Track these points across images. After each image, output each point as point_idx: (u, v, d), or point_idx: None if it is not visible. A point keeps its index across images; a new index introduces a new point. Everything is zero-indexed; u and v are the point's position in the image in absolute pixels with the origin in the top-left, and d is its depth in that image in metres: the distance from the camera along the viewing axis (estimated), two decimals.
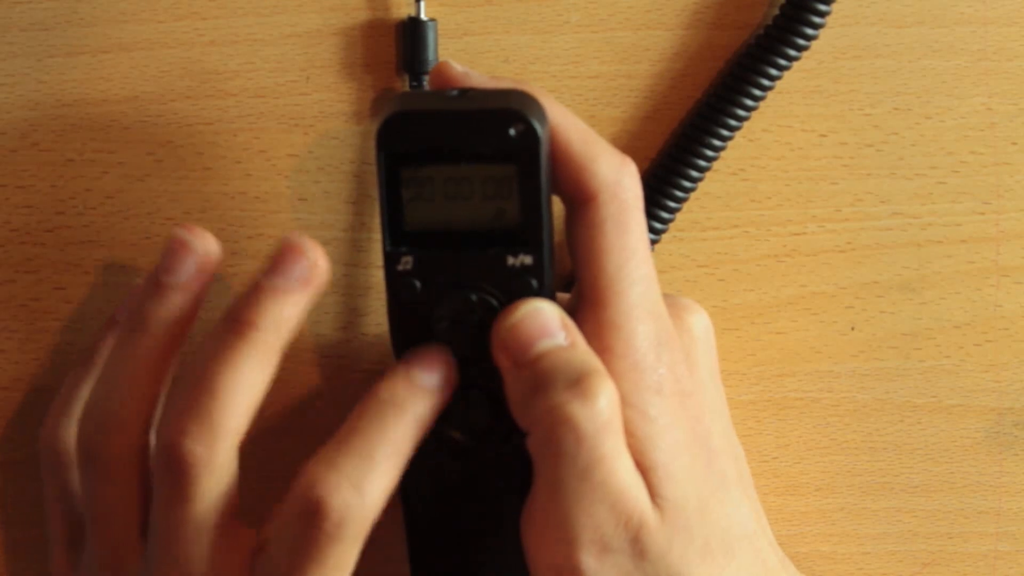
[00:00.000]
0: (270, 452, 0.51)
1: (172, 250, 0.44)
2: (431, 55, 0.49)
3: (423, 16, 0.49)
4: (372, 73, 0.50)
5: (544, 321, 0.43)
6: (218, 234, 0.50)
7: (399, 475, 0.43)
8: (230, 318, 0.43)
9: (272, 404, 0.51)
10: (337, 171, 0.51)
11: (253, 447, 0.52)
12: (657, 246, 0.51)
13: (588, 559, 0.42)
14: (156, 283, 0.44)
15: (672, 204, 0.51)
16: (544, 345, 0.43)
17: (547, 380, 0.42)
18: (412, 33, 0.49)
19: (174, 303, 0.44)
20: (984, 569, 0.54)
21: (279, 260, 0.43)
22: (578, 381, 0.42)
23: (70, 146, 0.50)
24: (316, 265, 0.44)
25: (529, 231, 0.43)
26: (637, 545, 0.43)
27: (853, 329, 0.53)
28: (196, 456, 0.42)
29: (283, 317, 0.43)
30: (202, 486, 0.43)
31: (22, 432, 0.51)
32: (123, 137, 0.50)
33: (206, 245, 0.44)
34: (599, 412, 0.42)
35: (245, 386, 0.43)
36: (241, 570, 0.43)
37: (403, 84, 0.50)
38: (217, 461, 0.43)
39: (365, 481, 0.42)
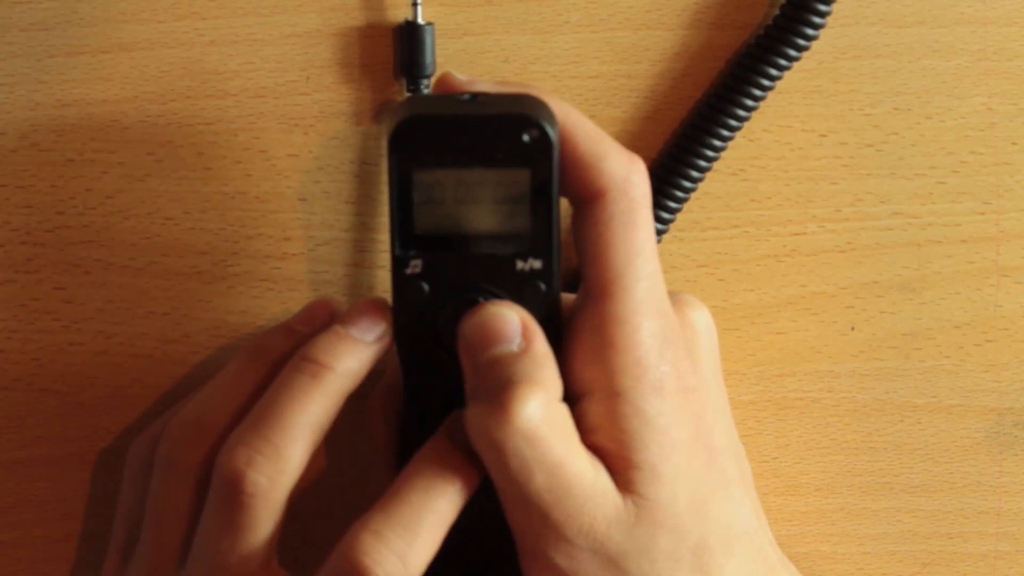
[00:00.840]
0: None
1: (311, 308, 0.47)
2: (428, 59, 0.49)
3: (420, 20, 0.49)
4: (372, 73, 0.50)
5: (501, 325, 0.43)
6: (218, 234, 0.50)
7: (442, 541, 0.43)
8: (308, 358, 0.44)
9: None
10: (337, 171, 0.51)
11: None
12: (657, 246, 0.51)
13: (560, 557, 0.42)
14: (287, 328, 0.47)
15: (672, 204, 0.51)
16: (497, 351, 0.43)
17: (480, 390, 0.42)
18: (409, 37, 0.49)
19: (296, 345, 0.46)
20: (984, 569, 0.54)
21: (361, 314, 0.45)
22: (499, 393, 0.42)
23: (70, 146, 0.50)
24: (389, 331, 0.45)
25: (539, 235, 0.43)
26: (609, 545, 0.43)
27: (853, 329, 0.53)
28: (259, 487, 0.43)
29: (356, 367, 0.45)
30: (256, 518, 0.43)
31: (22, 432, 0.51)
32: (123, 137, 0.50)
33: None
34: (517, 424, 0.41)
35: (313, 425, 0.44)
36: None
37: (401, 88, 0.50)
38: (276, 494, 0.43)
39: (410, 552, 0.42)
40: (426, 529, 0.42)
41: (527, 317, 0.43)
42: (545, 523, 0.42)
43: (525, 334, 0.43)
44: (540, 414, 0.42)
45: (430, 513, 0.43)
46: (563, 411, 0.43)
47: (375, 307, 0.45)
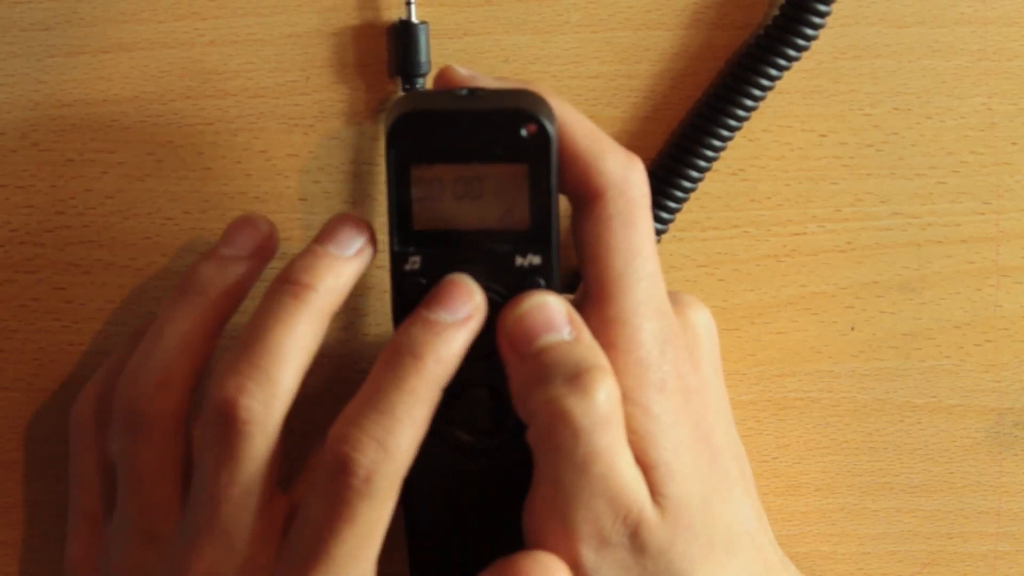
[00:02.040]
0: None
1: (235, 227, 0.46)
2: (423, 58, 0.49)
3: (414, 19, 0.49)
4: (372, 73, 0.50)
5: (550, 314, 0.43)
6: (218, 234, 0.50)
7: (428, 420, 0.43)
8: (288, 279, 0.44)
9: None
10: (337, 171, 0.51)
11: None
12: (657, 246, 0.51)
13: (587, 551, 0.42)
14: (215, 254, 0.46)
15: (672, 204, 0.51)
16: (548, 339, 0.43)
17: (547, 373, 0.42)
18: (403, 36, 0.49)
19: (231, 271, 0.46)
20: (984, 569, 0.54)
21: (336, 229, 0.44)
22: (576, 375, 0.42)
23: (70, 146, 0.50)
24: (370, 240, 0.45)
25: (538, 231, 0.43)
26: (636, 540, 0.43)
27: (853, 329, 0.53)
28: (253, 413, 0.42)
29: (339, 283, 0.44)
30: (255, 446, 0.43)
31: (22, 432, 0.51)
32: (123, 137, 0.50)
33: (269, 228, 0.46)
34: (596, 407, 0.42)
35: (301, 347, 0.43)
36: (276, 536, 0.43)
37: (397, 88, 0.50)
38: (271, 420, 0.43)
39: (389, 436, 0.42)
40: (404, 411, 0.42)
41: (568, 304, 0.44)
42: (587, 514, 0.42)
43: (572, 322, 0.43)
44: (613, 399, 0.42)
45: (404, 393, 0.42)
46: (621, 400, 0.43)
47: (351, 221, 0.45)
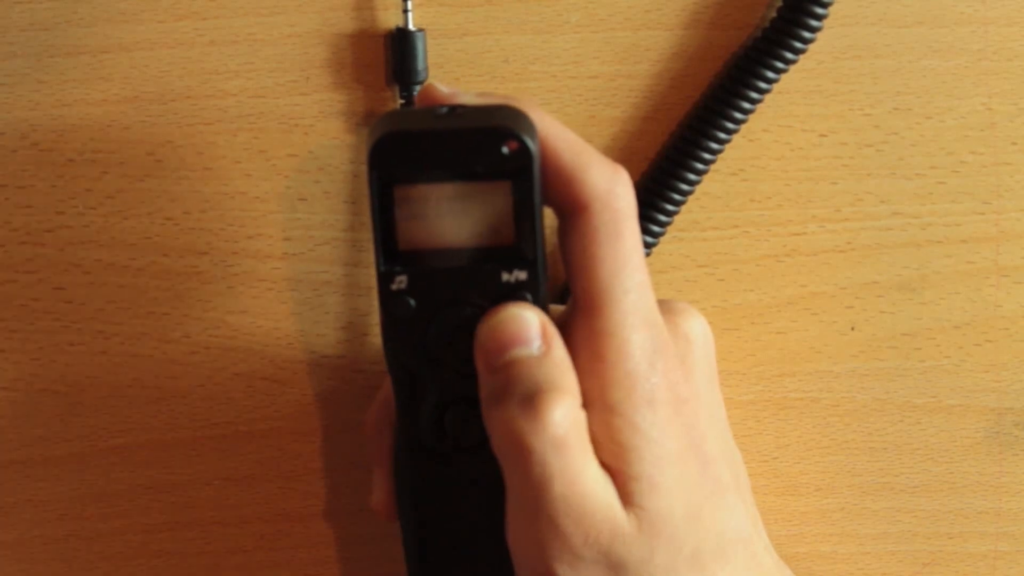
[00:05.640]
0: (272, 452, 0.51)
1: None
2: (420, 65, 0.49)
3: (411, 27, 0.49)
4: (371, 74, 0.50)
5: (521, 327, 0.43)
6: (218, 234, 0.50)
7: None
8: None
9: (272, 404, 0.51)
10: (337, 171, 0.51)
11: (256, 447, 0.52)
12: (657, 246, 0.51)
13: (562, 568, 0.42)
14: None
15: (671, 205, 0.51)
16: (516, 353, 0.42)
17: (505, 391, 0.42)
18: (400, 44, 0.49)
19: None
20: (984, 569, 0.54)
21: None
22: (532, 396, 0.41)
23: (70, 146, 0.50)
24: None
25: (523, 246, 0.43)
26: (612, 556, 0.43)
27: (853, 329, 0.53)
28: None
29: None
30: None
31: (22, 432, 0.51)
32: (123, 137, 0.50)
33: None
34: (548, 430, 0.41)
35: None
36: None
37: (394, 94, 0.50)
38: None
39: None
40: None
41: (545, 319, 0.43)
42: (554, 533, 0.42)
43: (544, 337, 0.43)
44: (569, 420, 0.42)
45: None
46: (584, 420, 0.43)
47: None
